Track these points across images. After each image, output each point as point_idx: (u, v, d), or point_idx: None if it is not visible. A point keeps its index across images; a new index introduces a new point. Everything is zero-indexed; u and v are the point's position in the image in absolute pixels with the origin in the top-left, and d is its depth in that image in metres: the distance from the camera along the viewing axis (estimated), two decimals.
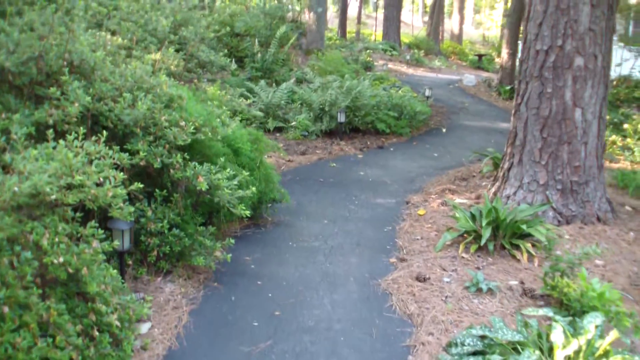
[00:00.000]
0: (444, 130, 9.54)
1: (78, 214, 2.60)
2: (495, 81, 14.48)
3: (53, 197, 2.30)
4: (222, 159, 3.94)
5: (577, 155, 4.73)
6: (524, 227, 4.16)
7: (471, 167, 7.04)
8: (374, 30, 25.57)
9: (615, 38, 4.89)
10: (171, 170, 3.46)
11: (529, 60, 4.91)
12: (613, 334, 2.60)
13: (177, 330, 3.10)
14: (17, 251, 2.26)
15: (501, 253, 4.18)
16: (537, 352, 2.65)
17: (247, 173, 3.98)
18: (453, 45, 24.28)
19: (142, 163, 3.27)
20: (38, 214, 2.41)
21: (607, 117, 4.93)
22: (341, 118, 8.07)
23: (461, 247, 4.21)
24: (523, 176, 4.94)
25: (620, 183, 5.99)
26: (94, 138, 2.70)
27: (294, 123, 8.27)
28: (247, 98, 7.99)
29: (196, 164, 3.55)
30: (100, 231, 2.54)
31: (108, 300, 2.50)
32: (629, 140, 7.72)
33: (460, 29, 26.81)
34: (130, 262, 3.55)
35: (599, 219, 4.76)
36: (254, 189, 3.79)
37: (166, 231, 3.50)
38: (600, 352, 2.58)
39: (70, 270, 2.32)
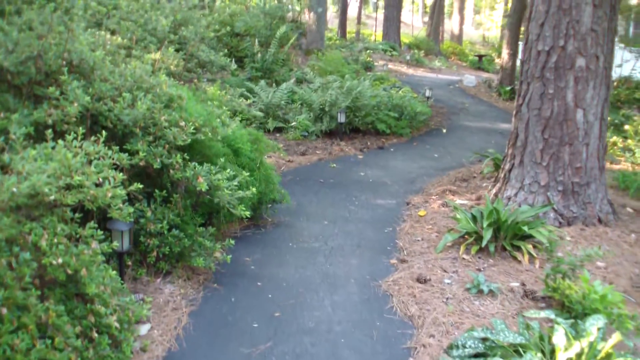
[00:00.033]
0: (444, 130, 9.53)
1: (77, 215, 2.58)
2: (495, 82, 14.47)
3: (52, 197, 2.28)
4: (222, 160, 3.93)
5: (578, 157, 4.71)
6: (525, 228, 4.15)
7: (472, 168, 7.03)
8: (374, 31, 25.57)
9: (615, 39, 4.87)
10: (171, 171, 3.44)
11: (530, 60, 4.90)
12: (615, 337, 2.58)
13: (177, 332, 3.09)
14: (15, 252, 2.24)
15: (502, 254, 4.16)
16: (539, 354, 2.63)
17: (247, 173, 3.96)
18: (453, 46, 24.28)
19: (142, 163, 3.26)
20: (37, 214, 2.40)
21: (608, 118, 4.91)
22: (341, 118, 8.05)
23: (462, 248, 4.20)
24: (524, 177, 4.92)
25: (621, 184, 5.98)
26: (93, 138, 2.68)
27: (294, 123, 8.25)
28: (247, 98, 7.97)
29: (196, 164, 3.53)
30: (100, 232, 2.53)
31: (107, 301, 2.48)
32: (629, 141, 7.71)
33: (461, 30, 26.82)
34: (129, 263, 3.53)
35: (600, 221, 4.74)
36: (254, 189, 3.77)
37: (166, 232, 3.49)
38: (602, 354, 2.56)
39: (69, 272, 2.31)
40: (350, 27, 24.16)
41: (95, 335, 2.41)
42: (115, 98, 3.37)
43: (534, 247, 4.17)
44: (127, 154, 2.91)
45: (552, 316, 2.90)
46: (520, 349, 2.71)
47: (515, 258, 4.08)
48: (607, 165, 6.23)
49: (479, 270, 3.93)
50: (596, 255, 3.50)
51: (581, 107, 4.68)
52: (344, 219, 5.07)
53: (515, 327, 3.15)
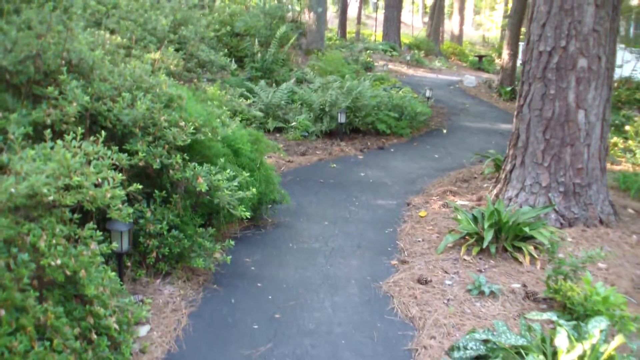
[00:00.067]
0: (444, 131, 9.51)
1: (76, 216, 2.56)
2: (495, 82, 14.45)
3: (50, 198, 2.26)
4: (222, 160, 3.91)
5: (580, 158, 4.70)
6: (526, 229, 4.13)
7: (472, 168, 7.01)
8: (374, 31, 25.56)
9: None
10: (170, 171, 3.42)
11: (532, 61, 4.88)
12: (618, 339, 2.56)
13: (177, 333, 3.07)
14: (13, 253, 2.22)
15: (503, 255, 4.14)
16: (541, 356, 2.61)
17: (247, 174, 3.94)
18: (453, 46, 24.28)
19: (141, 164, 3.24)
20: (35, 215, 2.38)
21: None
22: (341, 119, 8.03)
23: (463, 249, 4.18)
24: (525, 178, 4.91)
25: (621, 185, 5.96)
26: (92, 138, 2.66)
27: (294, 123, 8.24)
28: (247, 98, 7.95)
29: (196, 164, 3.51)
30: (99, 233, 2.51)
31: (106, 302, 2.46)
32: (630, 142, 7.70)
33: (461, 30, 26.81)
34: (129, 264, 3.50)
35: (601, 222, 4.73)
36: (254, 190, 3.75)
37: (165, 232, 3.47)
38: (605, 357, 2.54)
39: (68, 273, 2.29)
40: (350, 27, 24.16)
41: (95, 336, 2.39)
42: (115, 98, 3.35)
43: (535, 248, 4.15)
44: (126, 154, 2.88)
45: (554, 318, 2.87)
46: (522, 351, 2.68)
47: (516, 259, 4.06)
48: (608, 166, 6.22)
49: (480, 271, 3.92)
50: (598, 257, 3.48)
51: (583, 107, 4.66)
52: (344, 220, 5.05)
53: (517, 328, 3.14)
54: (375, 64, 15.41)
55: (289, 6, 13.70)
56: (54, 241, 2.29)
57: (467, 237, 4.30)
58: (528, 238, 4.22)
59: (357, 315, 3.37)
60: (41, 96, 3.14)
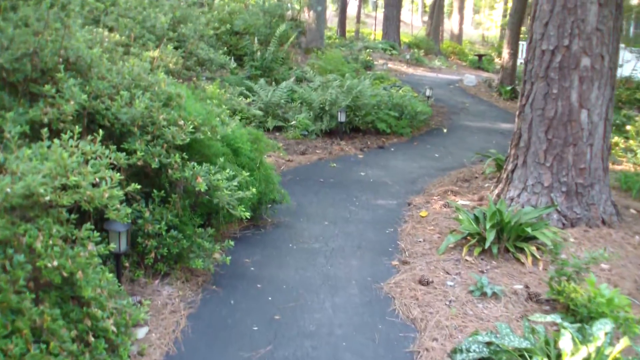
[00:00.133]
0: (444, 130, 9.48)
1: (73, 216, 2.52)
2: (495, 81, 14.42)
3: (47, 198, 2.22)
4: (222, 159, 3.87)
5: (582, 157, 4.66)
6: (528, 230, 4.09)
7: (473, 168, 6.98)
8: (374, 30, 25.51)
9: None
10: (169, 171, 3.38)
11: (534, 60, 4.84)
12: (623, 342, 2.52)
13: (175, 335, 3.03)
14: (9, 254, 2.18)
15: (505, 256, 4.11)
16: (545, 359, 2.58)
17: (247, 173, 3.90)
18: (453, 45, 24.26)
19: (140, 163, 3.19)
20: (32, 215, 2.34)
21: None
22: (341, 117, 7.99)
23: (464, 250, 4.14)
24: (527, 178, 4.87)
25: (623, 185, 5.93)
26: (90, 137, 2.63)
27: (293, 122, 8.19)
28: (246, 97, 7.92)
29: (195, 164, 3.47)
30: (96, 233, 2.47)
31: (104, 304, 2.43)
32: (631, 142, 7.66)
33: (460, 29, 26.79)
34: (127, 265, 3.46)
35: (604, 222, 4.69)
36: (253, 189, 3.71)
37: (164, 233, 3.43)
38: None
39: (65, 274, 2.25)
40: (350, 26, 24.13)
41: (92, 339, 2.36)
42: (113, 96, 3.31)
43: (538, 248, 4.12)
44: (124, 154, 2.84)
45: (558, 320, 2.84)
46: (526, 354, 2.65)
47: (518, 260, 4.03)
48: (609, 166, 6.19)
49: (482, 272, 3.88)
50: (602, 258, 3.45)
51: (586, 107, 4.62)
52: (345, 220, 5.01)
53: (520, 330, 3.10)
54: (375, 62, 15.37)
55: (289, 4, 13.65)
56: (50, 242, 2.25)
57: (468, 237, 4.26)
58: (530, 238, 4.18)
59: (358, 317, 3.33)
60: (38, 94, 3.10)
